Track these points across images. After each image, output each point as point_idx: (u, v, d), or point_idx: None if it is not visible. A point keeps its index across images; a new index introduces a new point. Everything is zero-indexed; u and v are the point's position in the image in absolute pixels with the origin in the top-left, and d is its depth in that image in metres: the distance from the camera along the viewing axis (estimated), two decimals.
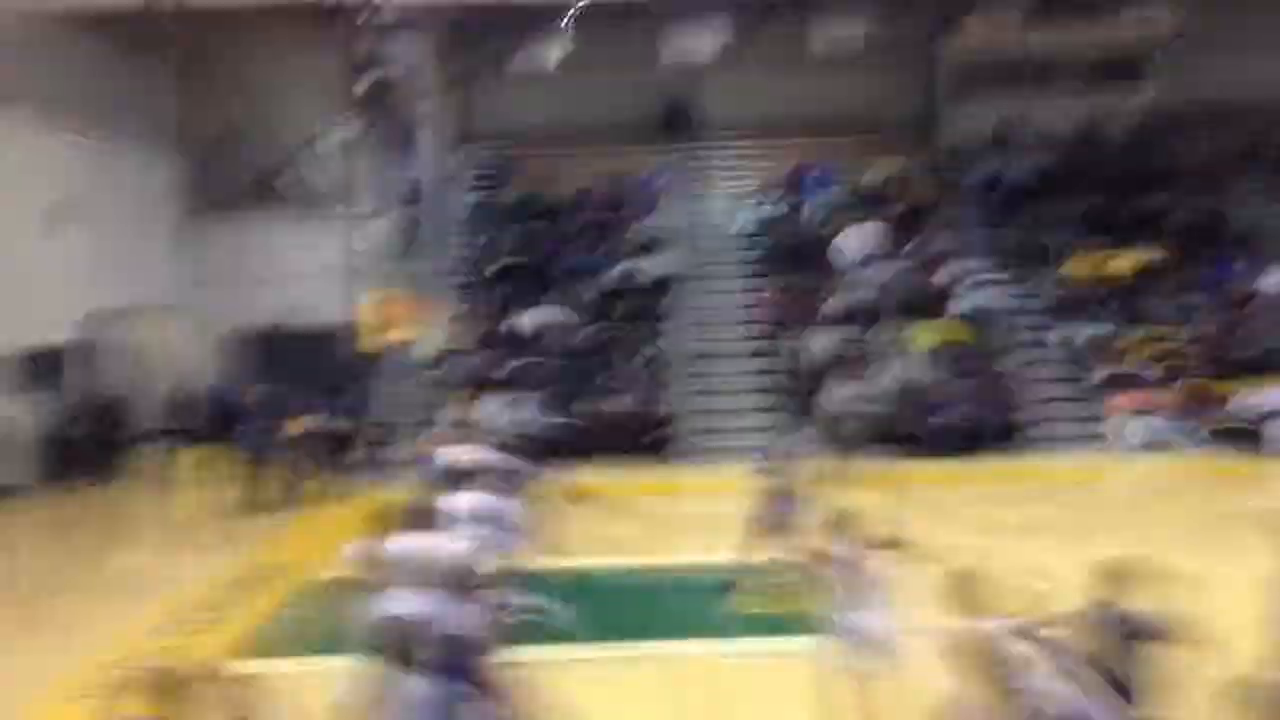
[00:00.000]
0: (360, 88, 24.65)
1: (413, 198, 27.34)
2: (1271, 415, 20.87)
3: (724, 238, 27.63)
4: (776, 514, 11.97)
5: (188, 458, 20.50)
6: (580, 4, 25.98)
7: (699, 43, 29.03)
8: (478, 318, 24.86)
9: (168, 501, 19.92)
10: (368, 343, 21.93)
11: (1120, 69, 29.72)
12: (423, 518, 9.10)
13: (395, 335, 22.41)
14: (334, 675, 8.36)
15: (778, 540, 11.61)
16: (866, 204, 27.09)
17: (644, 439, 21.71)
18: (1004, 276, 25.56)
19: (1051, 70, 30.25)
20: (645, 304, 25.14)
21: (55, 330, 21.86)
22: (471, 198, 28.83)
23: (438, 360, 23.58)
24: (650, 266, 26.00)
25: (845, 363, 21.65)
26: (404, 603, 7.82)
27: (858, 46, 28.08)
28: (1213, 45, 28.72)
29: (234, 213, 25.46)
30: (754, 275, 26.31)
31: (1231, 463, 20.33)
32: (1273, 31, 29.44)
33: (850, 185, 27.86)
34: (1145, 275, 24.81)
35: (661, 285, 25.75)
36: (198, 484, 20.35)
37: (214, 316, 25.28)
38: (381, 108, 25.44)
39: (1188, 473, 19.75)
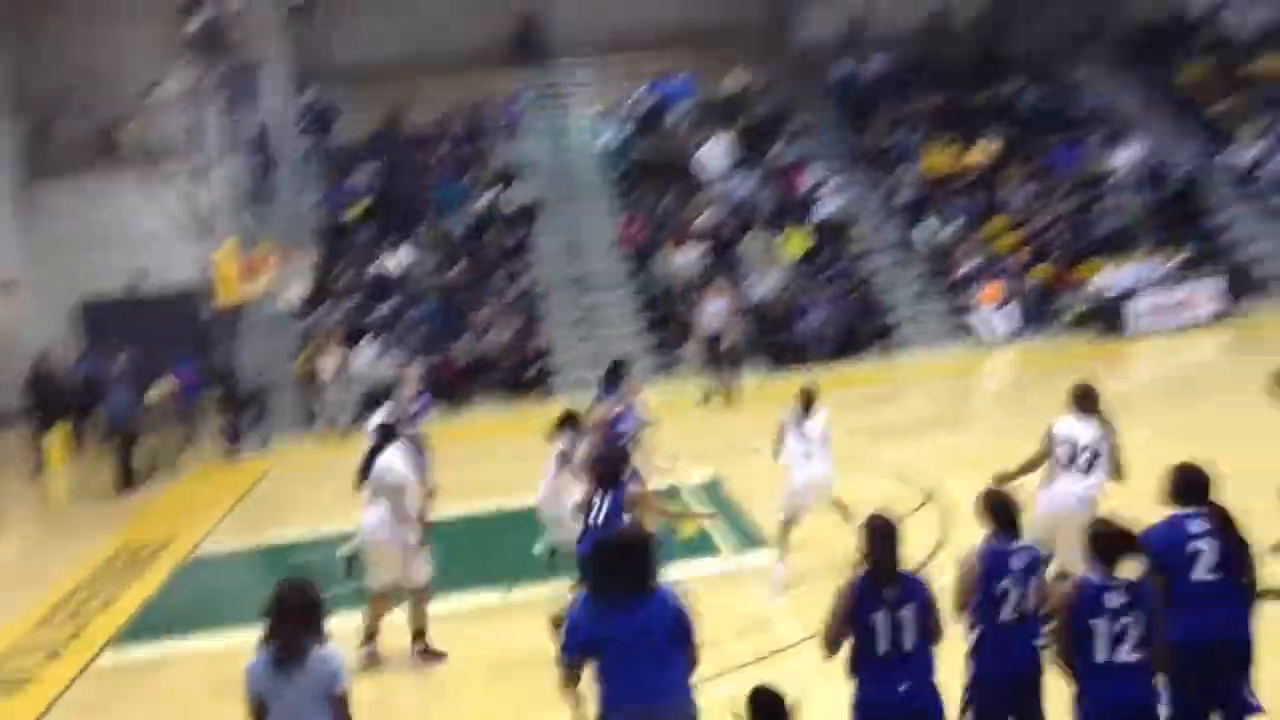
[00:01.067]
0: (192, 30, 23.54)
1: (260, 142, 26.45)
2: (1129, 293, 21.52)
3: (587, 160, 27.31)
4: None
5: (53, 437, 19.77)
6: None
7: None
8: (341, 263, 24.29)
9: (38, 485, 19.27)
10: (225, 300, 21.24)
11: None
12: None
13: (254, 288, 21.75)
14: (223, 650, 8.16)
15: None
16: (725, 114, 26.96)
17: (521, 375, 21.55)
18: (863, 178, 25.78)
19: None
20: (512, 235, 24.81)
21: None
22: (322, 137, 27.96)
23: (302, 311, 23.03)
24: (514, 195, 25.62)
25: (714, 278, 21.67)
26: None
27: None
28: None
29: (75, 176, 24.33)
30: (620, 196, 26.10)
31: (1093, 343, 20.98)
32: None
33: (707, 96, 27.69)
34: (999, 164, 25.20)
35: (527, 214, 25.42)
36: (66, 464, 19.69)
37: (62, 287, 24.25)
38: (217, 49, 24.37)
39: (1052, 358, 20.29)
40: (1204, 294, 21.65)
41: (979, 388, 20.36)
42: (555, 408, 11.55)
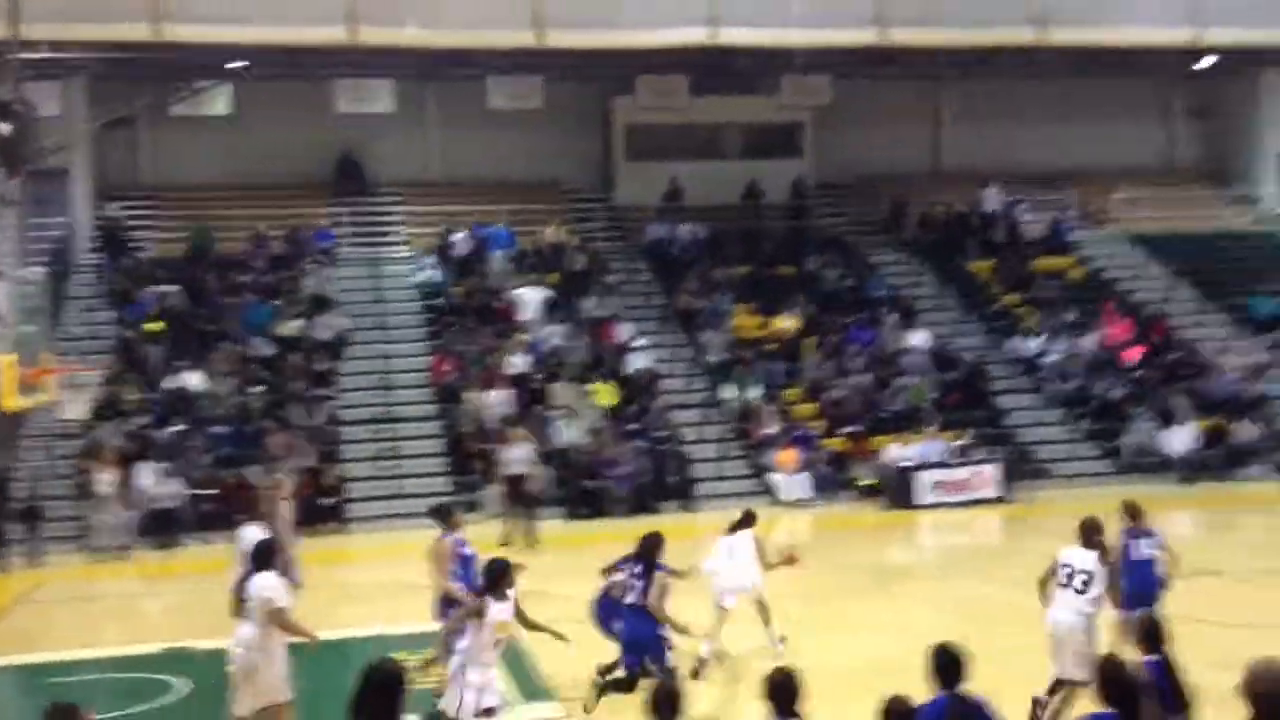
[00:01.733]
0: None
1: (58, 252, 25.48)
2: (916, 468, 22.43)
3: (401, 295, 27.22)
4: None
5: None
6: (243, 59, 25.02)
7: (374, 95, 28.60)
8: (132, 379, 23.35)
9: None
10: (6, 408, 20.11)
11: (777, 140, 31.49)
12: None
13: (33, 400, 20.67)
14: None
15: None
16: (542, 265, 27.38)
17: (316, 504, 20.95)
18: (672, 337, 26.41)
19: (717, 138, 31.75)
20: (318, 363, 24.37)
21: None
22: (121, 252, 27.06)
23: (86, 426, 21.96)
24: (324, 324, 25.26)
25: (522, 423, 21.69)
26: None
27: (536, 105, 28.39)
28: (858, 121, 30.89)
29: None
30: (431, 335, 26.03)
31: (877, 512, 21.73)
32: (907, 108, 31.97)
33: (528, 244, 28.10)
34: (802, 335, 26.20)
35: (336, 343, 25.07)
36: None
37: None
38: (21, 155, 23.54)
39: (840, 523, 20.87)
40: (985, 475, 22.70)
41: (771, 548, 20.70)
42: (351, 540, 11.28)
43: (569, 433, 22.74)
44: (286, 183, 28.67)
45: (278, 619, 9.00)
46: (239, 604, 9.21)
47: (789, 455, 22.71)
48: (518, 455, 19.98)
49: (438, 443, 23.32)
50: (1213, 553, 15.96)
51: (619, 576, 10.83)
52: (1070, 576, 9.50)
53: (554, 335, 25.38)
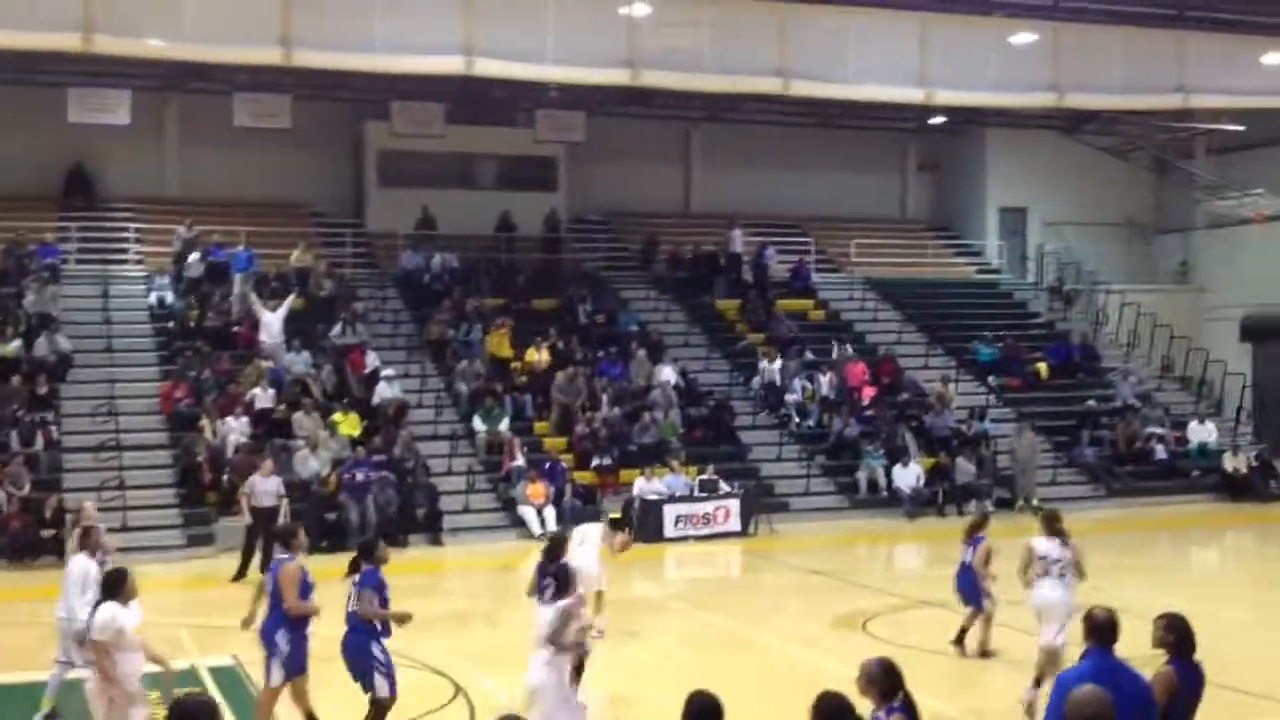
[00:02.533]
0: None
1: None
2: (662, 502, 22.75)
3: (132, 316, 25.85)
4: None
5: None
6: None
7: (109, 106, 27.07)
8: None
9: None
10: None
11: (532, 173, 31.62)
12: None
13: None
14: None
15: None
16: (287, 287, 26.50)
17: (37, 536, 19.59)
18: (422, 367, 26.02)
19: (471, 168, 31.62)
20: (38, 386, 22.82)
21: None
22: None
23: None
24: (45, 345, 23.70)
25: (262, 453, 20.86)
26: None
27: (284, 124, 27.49)
28: (612, 158, 31.37)
29: None
30: (163, 359, 24.79)
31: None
32: (659, 148, 32.70)
33: (271, 267, 27.17)
34: (554, 368, 26.25)
35: (57, 366, 23.54)
36: None
37: None
38: None
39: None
40: (728, 509, 23.21)
41: (520, 582, 20.58)
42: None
43: (311, 464, 22.01)
44: (10, 193, 26.88)
45: (98, 650, 8.85)
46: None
47: (538, 488, 22.65)
48: (267, 488, 19.16)
49: (167, 473, 22.17)
50: (934, 586, 16.74)
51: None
52: (1049, 565, 11.33)
53: (297, 363, 24.59)
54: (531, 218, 30.48)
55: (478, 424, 24.46)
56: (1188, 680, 6.67)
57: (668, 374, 26.83)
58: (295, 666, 9.91)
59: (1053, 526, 11.61)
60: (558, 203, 31.36)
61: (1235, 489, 26.60)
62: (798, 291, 31.44)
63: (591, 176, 31.74)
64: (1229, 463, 27.02)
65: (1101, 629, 6.65)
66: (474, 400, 25.01)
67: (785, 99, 26.62)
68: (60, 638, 10.83)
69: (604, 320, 28.67)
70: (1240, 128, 29.33)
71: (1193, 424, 28.47)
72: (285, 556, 10.32)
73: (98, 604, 9.06)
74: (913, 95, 25.56)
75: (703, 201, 33.75)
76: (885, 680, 6.06)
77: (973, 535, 13.21)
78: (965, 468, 25.40)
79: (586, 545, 13.36)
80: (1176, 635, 6.80)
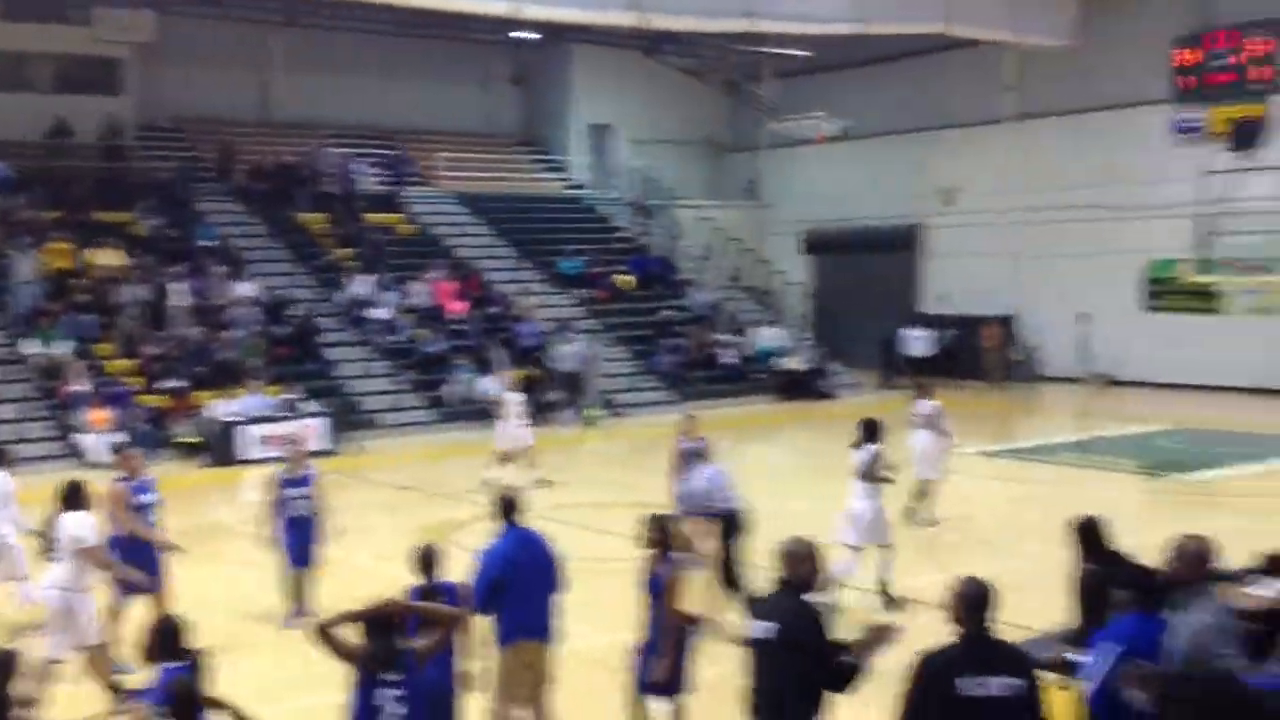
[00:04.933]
0: None
1: None
2: (241, 423, 21.86)
3: None
4: None
5: None
6: None
7: None
8: None
9: None
10: None
11: (93, 75, 29.19)
12: None
13: None
14: None
15: None
16: None
17: None
18: None
19: (23, 68, 28.80)
20: None
21: None
22: None
23: None
24: None
25: None
26: None
27: None
28: (185, 62, 29.46)
29: None
30: None
31: (204, 469, 21.00)
32: (236, 53, 31.01)
33: None
34: (116, 285, 24.51)
35: None
36: None
37: None
38: None
39: (165, 484, 19.82)
40: (313, 427, 22.62)
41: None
42: None
43: None
44: None
45: (91, 557, 9.32)
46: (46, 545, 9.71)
47: (100, 414, 21.16)
48: None
49: None
50: None
51: None
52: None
53: None
54: (93, 124, 28.17)
55: (31, 346, 22.49)
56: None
57: (248, 290, 25.71)
58: None
59: (871, 432, 12.46)
60: (124, 108, 29.12)
61: (792, 389, 28.77)
62: (386, 205, 30.90)
63: (162, 81, 29.71)
64: (788, 364, 29.19)
65: (511, 507, 8.19)
66: (26, 321, 22.95)
67: (368, 4, 25.80)
68: None
69: (177, 234, 27.02)
70: (805, 53, 31.28)
71: (760, 329, 30.53)
72: None
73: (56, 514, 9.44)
74: (499, 8, 25.42)
75: (285, 111, 32.41)
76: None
77: None
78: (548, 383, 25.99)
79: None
80: (661, 534, 8.15)
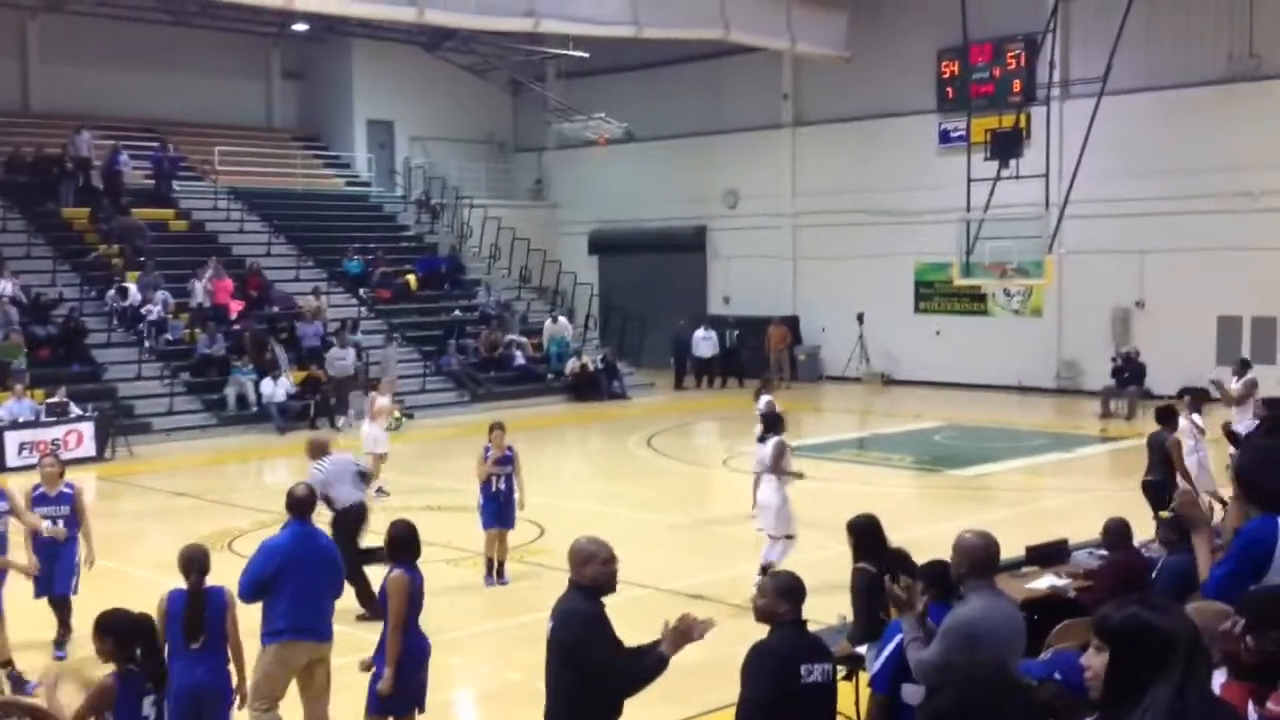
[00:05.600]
0: None
1: None
2: (8, 426, 20.65)
3: None
4: None
5: None
6: None
7: None
8: None
9: None
10: None
11: None
12: None
13: None
14: None
15: None
16: None
17: None
18: None
19: None
20: None
21: None
22: None
23: None
24: None
25: None
26: None
27: None
28: None
29: None
30: None
31: None
32: None
33: None
34: None
35: None
36: None
37: None
38: None
39: None
40: (80, 433, 21.56)
41: None
42: None
43: None
44: None
45: None
46: None
47: None
48: None
49: None
50: None
51: None
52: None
53: None
54: None
55: None
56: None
57: (6, 288, 24.25)
58: None
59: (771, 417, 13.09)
60: None
61: (582, 389, 28.93)
62: (156, 200, 29.60)
63: None
64: (577, 364, 29.35)
65: (300, 504, 8.13)
66: None
67: None
68: None
69: None
70: (584, 55, 31.50)
71: (546, 322, 30.56)
72: None
73: None
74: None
75: (45, 100, 30.75)
76: None
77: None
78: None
79: None
80: (399, 543, 7.73)
